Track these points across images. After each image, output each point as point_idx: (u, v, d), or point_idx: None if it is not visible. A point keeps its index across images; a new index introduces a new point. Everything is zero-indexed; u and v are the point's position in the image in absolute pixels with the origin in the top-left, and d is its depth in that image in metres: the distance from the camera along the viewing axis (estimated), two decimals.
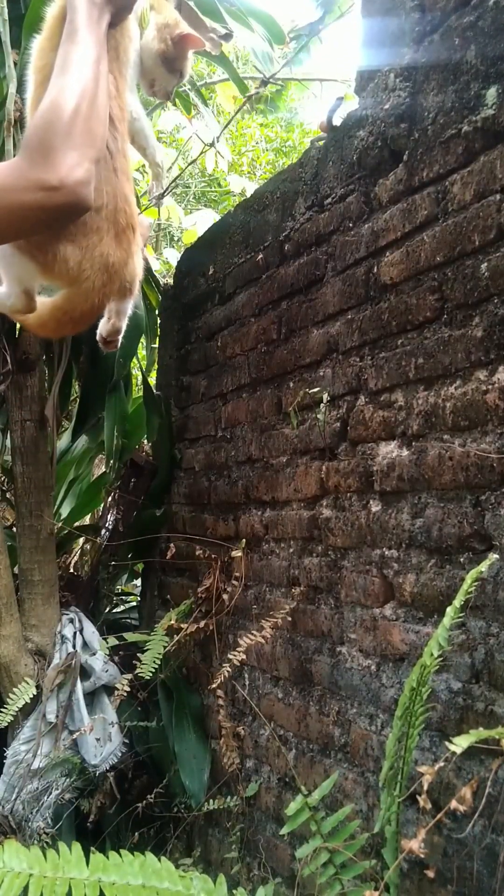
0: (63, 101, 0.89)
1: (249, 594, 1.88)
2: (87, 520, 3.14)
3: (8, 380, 2.20)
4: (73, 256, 0.95)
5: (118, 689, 1.98)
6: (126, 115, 1.02)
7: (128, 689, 1.98)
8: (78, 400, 2.55)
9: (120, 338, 1.14)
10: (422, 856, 0.99)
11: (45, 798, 1.99)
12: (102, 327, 1.11)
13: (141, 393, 2.54)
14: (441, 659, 1.05)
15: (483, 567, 1.04)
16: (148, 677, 1.97)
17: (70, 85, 0.90)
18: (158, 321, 2.64)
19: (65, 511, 2.69)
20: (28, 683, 2.06)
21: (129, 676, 1.98)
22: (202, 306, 2.29)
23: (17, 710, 2.01)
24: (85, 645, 2.21)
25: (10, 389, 2.23)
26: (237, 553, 1.90)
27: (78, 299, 0.99)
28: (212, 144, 2.30)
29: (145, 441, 2.60)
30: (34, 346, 2.22)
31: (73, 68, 0.92)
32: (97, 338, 1.14)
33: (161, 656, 1.99)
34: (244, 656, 1.74)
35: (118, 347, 1.16)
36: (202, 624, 2.02)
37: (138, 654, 2.03)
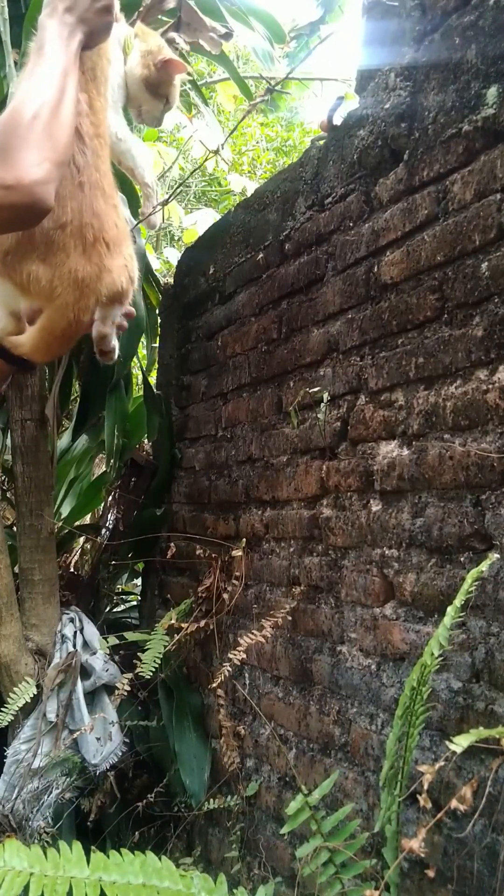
0: (23, 105, 0.91)
1: (250, 593, 1.88)
2: (87, 519, 3.14)
3: (8, 379, 2.20)
4: (44, 275, 0.97)
5: (118, 689, 1.98)
6: (101, 132, 1.03)
7: (128, 688, 1.98)
8: (78, 399, 2.55)
9: (114, 347, 1.13)
10: (422, 855, 0.99)
11: (46, 797, 1.99)
12: (93, 332, 1.12)
13: (141, 392, 2.54)
14: (441, 658, 1.05)
15: (483, 566, 1.04)
16: (148, 676, 1.97)
17: (32, 92, 0.92)
18: (159, 320, 2.64)
19: (65, 510, 2.69)
20: (28, 683, 2.07)
21: (130, 676, 1.98)
22: (202, 305, 2.29)
23: (17, 709, 2.01)
24: (85, 644, 2.21)
25: (11, 389, 2.23)
26: (237, 552, 1.90)
27: (56, 316, 1.00)
28: (216, 151, 2.31)
29: (146, 440, 2.60)
30: None
31: (36, 78, 0.94)
32: (94, 349, 1.15)
33: (161, 656, 1.99)
34: (244, 655, 1.74)
35: (113, 360, 1.16)
36: (202, 623, 2.02)
37: (138, 654, 2.03)
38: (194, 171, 3.50)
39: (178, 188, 4.06)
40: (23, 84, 0.94)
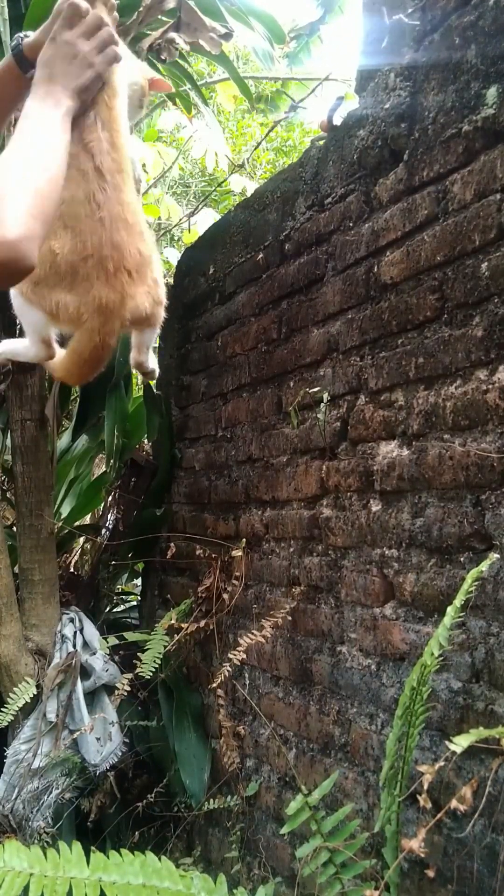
0: (5, 165, 0.94)
1: (250, 594, 1.88)
2: (87, 519, 3.14)
3: (8, 379, 2.20)
4: (71, 303, 1.05)
5: (118, 689, 1.98)
6: (122, 167, 1.08)
7: (128, 688, 1.98)
8: (78, 399, 2.55)
9: (153, 368, 1.26)
10: (422, 855, 0.99)
11: (46, 797, 1.99)
12: (130, 360, 1.24)
13: (141, 392, 2.54)
14: (441, 658, 1.05)
15: (483, 566, 1.04)
16: (148, 677, 1.97)
17: (14, 151, 0.95)
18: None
19: (65, 510, 2.69)
20: (28, 683, 2.07)
21: (130, 676, 1.98)
22: (202, 306, 2.29)
23: (17, 709, 2.02)
24: (85, 644, 2.21)
25: (11, 389, 2.23)
26: (237, 552, 1.90)
27: (84, 340, 1.08)
28: (242, 165, 2.35)
29: (145, 440, 2.60)
30: None
31: (18, 142, 0.97)
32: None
33: (161, 656, 1.99)
34: (244, 656, 1.74)
35: (155, 377, 1.25)
36: (202, 623, 2.02)
37: (138, 654, 2.03)
38: (220, 184, 3.48)
39: (204, 199, 4.08)
40: (6, 147, 0.98)
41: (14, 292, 1.09)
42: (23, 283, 1.04)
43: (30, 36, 1.11)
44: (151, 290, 1.10)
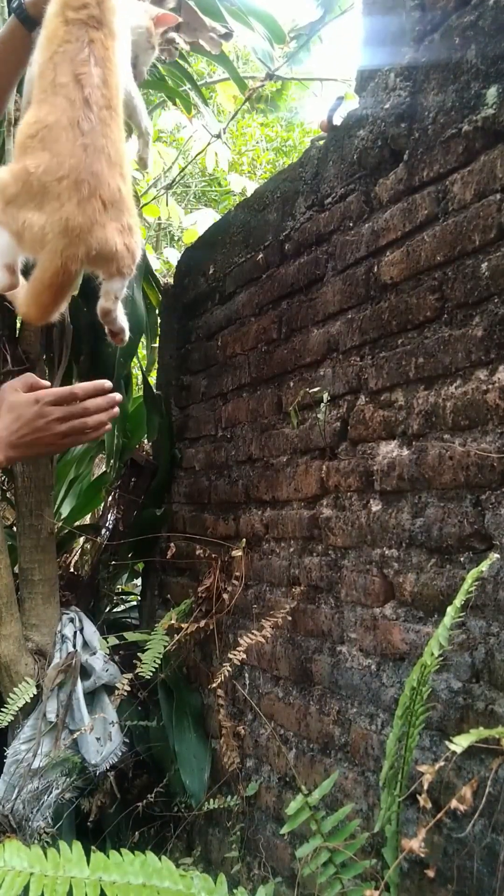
0: None
1: (249, 594, 1.88)
2: (87, 519, 3.14)
3: (8, 379, 2.20)
4: (37, 222, 1.02)
5: (118, 689, 1.98)
6: (112, 105, 1.07)
7: (128, 688, 1.98)
8: None
9: (122, 328, 1.17)
10: (422, 855, 0.99)
11: (46, 797, 1.99)
12: (97, 308, 1.16)
13: (141, 392, 2.54)
14: (441, 658, 1.05)
15: (483, 566, 1.04)
16: (148, 677, 1.97)
17: None
18: (158, 320, 2.64)
19: (65, 510, 2.69)
20: (28, 683, 2.06)
21: (130, 676, 1.98)
22: (202, 306, 2.29)
23: (17, 709, 2.01)
24: (85, 644, 2.21)
25: None
26: (237, 552, 1.90)
27: (46, 263, 1.04)
28: (218, 136, 2.35)
29: (145, 440, 2.60)
30: (34, 346, 2.22)
31: None
32: (105, 331, 1.19)
33: (161, 656, 1.99)
34: (244, 656, 1.74)
35: (124, 342, 1.19)
36: (202, 623, 2.02)
37: (138, 654, 2.03)
38: (199, 153, 3.45)
39: (180, 173, 4.05)
40: None
41: None
42: None
43: None
44: (125, 233, 1.06)
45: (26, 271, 1.11)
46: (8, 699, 2.03)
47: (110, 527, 2.58)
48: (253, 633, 1.70)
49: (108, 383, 1.15)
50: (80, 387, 1.12)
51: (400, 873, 1.18)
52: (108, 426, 1.15)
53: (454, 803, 0.97)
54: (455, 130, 1.25)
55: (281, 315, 1.82)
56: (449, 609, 1.04)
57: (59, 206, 1.01)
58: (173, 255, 4.14)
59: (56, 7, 1.05)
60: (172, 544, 2.28)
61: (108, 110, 1.05)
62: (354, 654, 1.47)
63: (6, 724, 2.01)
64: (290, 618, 1.67)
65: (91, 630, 2.25)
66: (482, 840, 1.11)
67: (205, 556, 2.06)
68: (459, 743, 0.90)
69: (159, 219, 3.96)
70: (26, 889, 0.88)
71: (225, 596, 1.96)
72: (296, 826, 1.24)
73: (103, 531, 2.60)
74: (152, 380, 2.74)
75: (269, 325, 1.86)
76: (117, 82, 1.08)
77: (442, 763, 1.06)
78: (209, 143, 2.62)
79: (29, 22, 1.13)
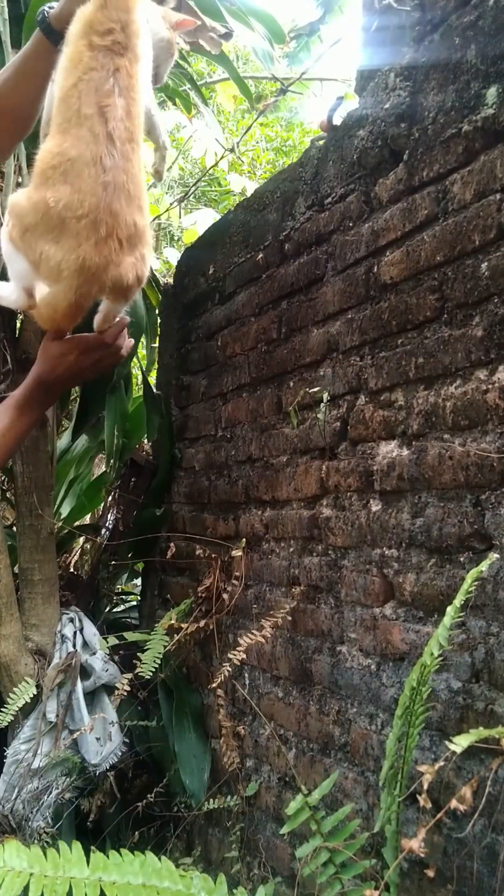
0: None
1: (249, 593, 1.88)
2: (87, 519, 3.14)
3: (8, 379, 2.20)
4: (54, 256, 1.04)
5: (118, 689, 1.98)
6: (134, 137, 1.08)
7: (128, 688, 1.98)
8: (78, 399, 2.55)
9: (119, 340, 1.20)
10: (422, 855, 0.99)
11: (46, 797, 1.99)
12: (94, 321, 1.20)
13: (141, 392, 2.54)
14: (441, 658, 1.05)
15: (483, 566, 1.04)
16: (148, 677, 1.97)
17: None
18: (158, 320, 2.64)
19: (65, 510, 2.69)
20: (28, 683, 2.06)
21: (130, 676, 1.98)
22: (202, 305, 2.29)
23: (17, 709, 2.01)
24: (85, 644, 2.21)
25: (10, 389, 2.22)
26: (237, 552, 1.90)
27: (60, 296, 1.07)
28: (232, 150, 2.36)
29: (145, 440, 2.60)
30: (34, 346, 2.22)
31: None
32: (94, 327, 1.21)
33: (161, 656, 1.99)
34: (244, 655, 1.74)
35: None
36: (202, 623, 2.02)
37: (138, 654, 2.03)
38: (213, 166, 3.45)
39: (189, 191, 4.07)
40: None
41: (4, 237, 1.09)
42: (14, 228, 1.05)
43: (54, 7, 1.12)
44: (137, 265, 1.08)
45: None
46: (8, 699, 2.03)
47: (110, 527, 2.58)
48: (253, 633, 1.70)
49: (126, 319, 1.21)
50: (109, 334, 1.18)
51: (400, 873, 1.18)
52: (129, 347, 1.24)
53: (454, 803, 0.98)
54: (455, 130, 1.25)
55: (281, 315, 1.82)
56: (449, 609, 1.04)
57: (76, 244, 1.02)
58: (173, 255, 4.14)
59: (80, 28, 1.05)
60: (172, 544, 2.28)
61: (131, 143, 1.06)
62: (354, 654, 1.47)
63: (6, 724, 2.01)
64: (289, 618, 1.67)
65: (91, 630, 2.25)
66: (482, 840, 1.11)
67: (205, 556, 2.06)
68: (459, 743, 0.90)
69: (158, 217, 3.96)
70: (26, 889, 0.88)
71: (225, 596, 1.96)
72: (296, 826, 1.24)
73: (103, 531, 2.60)
74: (152, 380, 2.74)
75: (268, 325, 1.86)
76: (139, 111, 1.09)
77: (442, 763, 1.06)
78: (223, 157, 2.62)
79: (53, 35, 1.13)
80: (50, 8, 1.13)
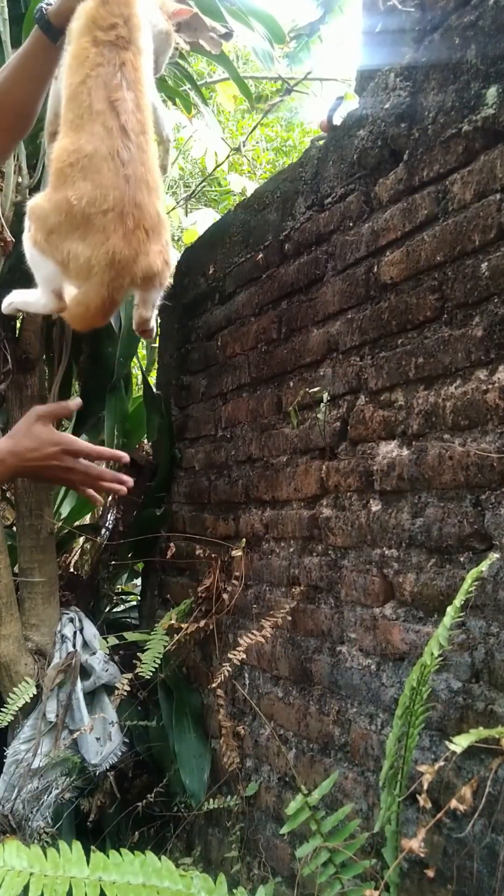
0: None
1: (249, 593, 1.88)
2: (87, 519, 3.13)
3: (8, 379, 2.20)
4: (83, 254, 1.04)
5: (118, 689, 1.98)
6: (146, 129, 1.09)
7: (128, 688, 1.98)
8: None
9: (153, 325, 1.23)
10: (422, 855, 0.99)
11: (46, 797, 1.99)
12: (133, 316, 1.21)
13: (141, 392, 2.54)
14: (441, 658, 1.05)
15: (483, 566, 1.04)
16: (148, 677, 1.97)
17: None
18: (158, 320, 2.64)
19: (65, 510, 2.69)
20: (28, 683, 2.07)
21: (130, 676, 1.98)
22: (202, 305, 2.29)
23: (17, 709, 2.02)
24: (85, 644, 2.21)
25: (11, 389, 2.23)
26: (237, 552, 1.90)
27: (92, 293, 1.07)
28: (238, 149, 2.37)
29: (145, 440, 2.60)
30: (34, 346, 2.22)
31: None
32: (133, 326, 1.24)
33: (161, 656, 1.99)
34: (244, 655, 1.74)
35: (152, 337, 1.23)
36: (202, 623, 2.02)
37: (138, 654, 2.03)
38: (218, 166, 3.45)
39: (195, 191, 4.07)
40: None
41: (28, 243, 1.09)
42: (38, 232, 1.06)
43: (52, 3, 1.12)
44: (164, 251, 1.10)
45: None
46: (8, 699, 2.03)
47: (110, 527, 2.58)
48: (253, 633, 1.70)
49: (126, 457, 1.20)
50: (103, 451, 1.18)
51: (400, 873, 1.18)
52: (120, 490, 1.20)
53: (454, 803, 0.98)
54: (455, 130, 1.25)
55: (281, 315, 1.82)
56: (449, 609, 1.04)
57: (104, 238, 1.02)
58: (173, 256, 4.14)
59: (82, 25, 1.05)
60: (172, 544, 2.28)
61: (143, 135, 1.07)
62: (354, 654, 1.47)
63: (6, 724, 2.01)
64: (289, 618, 1.67)
65: (91, 630, 2.25)
66: (482, 840, 1.11)
67: (205, 556, 2.06)
68: (459, 743, 0.90)
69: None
70: (26, 889, 0.88)
71: (225, 596, 1.96)
72: (296, 826, 1.24)
73: (103, 531, 2.60)
74: (152, 380, 2.74)
75: (268, 324, 1.86)
76: (147, 103, 1.09)
77: (442, 763, 1.06)
78: (227, 157, 2.63)
79: (52, 32, 1.13)
80: (48, 5, 1.13)
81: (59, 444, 1.12)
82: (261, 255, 1.93)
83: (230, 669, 1.78)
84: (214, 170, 4.00)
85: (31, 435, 1.12)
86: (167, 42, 1.27)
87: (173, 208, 3.75)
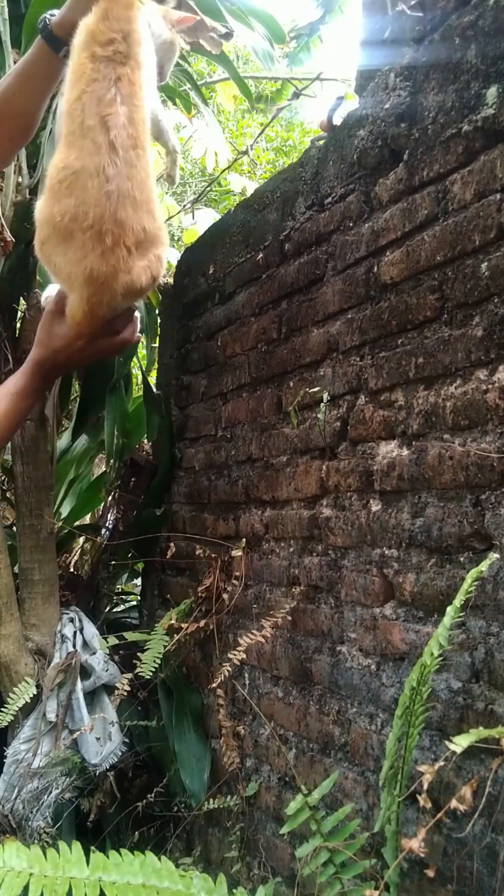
0: None
1: (249, 593, 1.88)
2: (87, 519, 3.14)
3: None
4: (64, 268, 1.06)
5: (118, 689, 1.98)
6: (139, 143, 1.09)
7: (128, 688, 1.98)
8: (78, 399, 2.55)
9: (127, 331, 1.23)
10: (422, 855, 0.99)
11: (46, 797, 1.99)
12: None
13: (141, 392, 2.54)
14: (441, 658, 1.05)
15: (483, 566, 1.04)
16: (148, 677, 1.97)
17: None
18: (158, 320, 2.64)
19: (65, 510, 2.69)
20: (28, 683, 2.07)
21: (130, 676, 1.98)
22: (202, 305, 2.29)
23: (17, 709, 2.02)
24: (85, 644, 2.21)
25: None
26: (237, 552, 1.90)
27: (74, 305, 1.09)
28: (246, 152, 2.38)
29: (145, 440, 2.60)
30: None
31: None
32: None
33: (161, 655, 1.99)
34: (244, 655, 1.74)
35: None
36: (202, 623, 2.02)
37: (138, 654, 2.03)
38: (226, 168, 3.44)
39: (207, 188, 4.06)
40: None
41: (36, 245, 1.12)
42: (37, 238, 1.07)
43: (55, 14, 1.13)
44: (152, 266, 1.09)
45: None
46: (8, 699, 2.03)
47: (110, 527, 2.58)
48: (253, 633, 1.70)
49: (138, 310, 1.20)
50: (120, 323, 1.17)
51: (400, 873, 1.18)
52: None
53: (454, 803, 0.98)
54: (455, 130, 1.25)
55: (281, 315, 1.82)
56: (449, 609, 1.04)
57: (83, 255, 1.03)
58: (173, 255, 4.14)
59: (82, 40, 1.05)
60: (172, 544, 2.28)
61: (134, 150, 1.06)
62: (354, 654, 1.47)
63: (6, 724, 2.01)
64: (289, 618, 1.67)
65: (91, 630, 2.25)
66: (482, 840, 1.11)
67: (205, 556, 2.06)
68: (459, 743, 0.90)
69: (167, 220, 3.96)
70: (26, 889, 0.88)
71: (225, 596, 1.96)
72: (296, 826, 1.24)
73: (103, 531, 2.60)
74: (152, 380, 2.74)
75: (268, 324, 1.86)
76: (144, 117, 1.09)
77: (442, 763, 1.06)
78: (236, 160, 2.63)
79: (55, 41, 1.14)
80: (51, 16, 1.14)
81: (79, 337, 1.13)
82: (261, 255, 1.93)
83: (230, 669, 1.77)
84: (221, 173, 4.00)
85: (48, 342, 1.15)
86: (171, 51, 1.28)
87: (178, 212, 3.75)
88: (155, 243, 1.10)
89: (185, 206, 3.85)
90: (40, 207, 1.06)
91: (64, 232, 1.04)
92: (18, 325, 2.24)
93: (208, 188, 4.16)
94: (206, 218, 3.83)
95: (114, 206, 1.03)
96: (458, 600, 1.03)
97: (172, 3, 1.35)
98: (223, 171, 3.03)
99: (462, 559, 1.21)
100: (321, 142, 1.71)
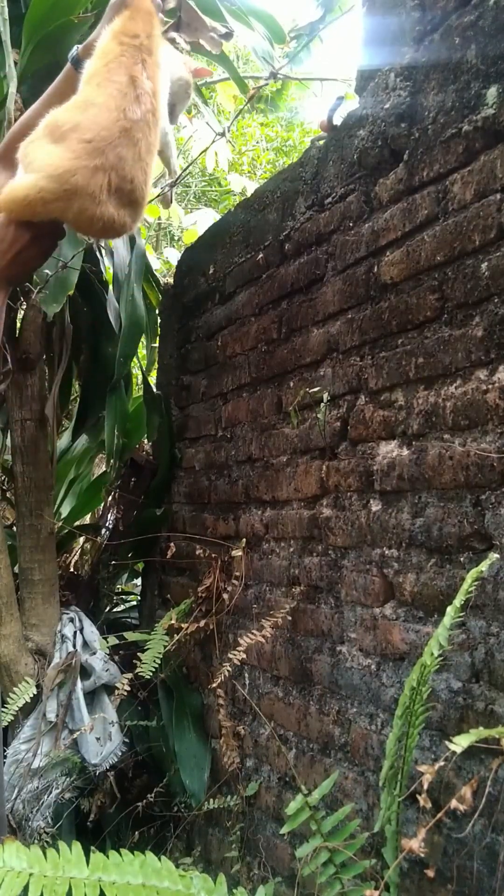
0: None
1: (249, 593, 1.88)
2: (87, 519, 3.14)
3: (8, 379, 2.20)
4: (39, 158, 1.04)
5: (118, 689, 1.98)
6: (157, 113, 1.11)
7: (128, 688, 1.98)
8: (78, 399, 2.55)
9: None
10: (422, 855, 0.99)
11: (46, 797, 1.99)
12: None
13: (141, 392, 2.54)
14: (441, 658, 1.05)
15: (483, 566, 1.04)
16: (148, 676, 1.97)
17: None
18: (158, 320, 2.64)
19: (65, 510, 2.69)
20: (28, 683, 2.06)
21: (130, 676, 1.98)
22: (202, 305, 2.29)
23: (17, 709, 2.01)
24: (85, 644, 2.21)
25: (11, 389, 2.23)
26: (237, 552, 1.90)
27: (19, 184, 1.05)
28: (222, 134, 2.38)
29: (145, 440, 2.60)
30: (34, 346, 2.22)
31: None
32: None
33: (161, 655, 1.99)
34: (244, 655, 1.74)
35: None
36: (202, 623, 2.02)
37: (138, 654, 2.03)
38: (203, 152, 3.45)
39: (188, 168, 4.05)
40: None
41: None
42: (26, 140, 1.06)
43: (80, 46, 1.19)
44: (108, 223, 1.06)
45: None
46: (8, 699, 2.03)
47: (110, 527, 2.58)
48: (253, 633, 1.70)
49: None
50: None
51: (400, 873, 1.18)
52: None
53: (454, 803, 0.97)
54: (455, 130, 1.25)
55: (281, 315, 1.82)
56: (449, 609, 1.04)
57: (69, 157, 1.00)
58: (173, 255, 4.14)
59: (108, 35, 1.10)
60: (172, 544, 2.28)
61: (153, 116, 1.08)
62: (354, 654, 1.47)
63: (6, 723, 2.01)
64: (289, 618, 1.67)
65: (91, 630, 2.25)
66: (482, 840, 1.11)
67: (205, 556, 2.06)
68: (459, 743, 0.90)
69: (159, 219, 3.96)
70: (26, 889, 0.88)
71: (225, 596, 1.96)
72: (296, 826, 1.24)
73: (103, 531, 2.60)
74: (152, 380, 2.74)
75: (269, 324, 1.86)
76: (161, 102, 1.12)
77: (442, 763, 1.06)
78: (213, 141, 2.64)
79: (81, 65, 1.18)
80: (77, 48, 1.19)
81: (23, 235, 1.07)
82: (261, 255, 1.93)
83: (230, 669, 1.78)
84: (213, 177, 4.00)
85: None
86: (186, 92, 1.30)
87: (156, 196, 3.76)
88: (132, 206, 1.07)
89: (164, 190, 3.85)
90: (45, 119, 1.05)
91: (59, 136, 1.02)
92: (18, 325, 2.24)
93: (184, 176, 4.12)
94: (206, 218, 3.83)
95: (121, 141, 1.03)
96: (458, 600, 1.03)
97: (172, 3, 1.35)
98: (202, 152, 3.04)
99: (462, 559, 1.21)
100: (321, 142, 1.71)
